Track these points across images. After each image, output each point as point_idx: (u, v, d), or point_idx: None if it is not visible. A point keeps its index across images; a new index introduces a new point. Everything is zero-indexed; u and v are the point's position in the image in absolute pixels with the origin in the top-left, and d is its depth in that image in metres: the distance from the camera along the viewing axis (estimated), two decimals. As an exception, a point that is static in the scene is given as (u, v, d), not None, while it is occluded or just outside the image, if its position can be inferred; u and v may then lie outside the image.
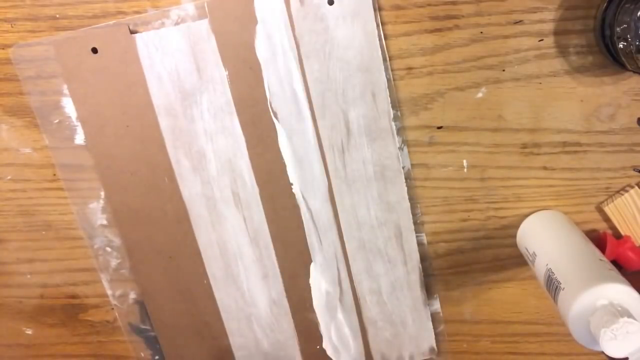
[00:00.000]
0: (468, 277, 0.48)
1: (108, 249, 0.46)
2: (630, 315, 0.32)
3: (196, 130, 0.43)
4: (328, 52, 0.41)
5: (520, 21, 0.41)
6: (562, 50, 0.41)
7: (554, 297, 0.37)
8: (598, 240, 0.45)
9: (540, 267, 0.40)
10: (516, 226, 0.45)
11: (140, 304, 0.48)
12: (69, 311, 0.50)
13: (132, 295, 0.48)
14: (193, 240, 0.46)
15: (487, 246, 0.47)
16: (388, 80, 0.42)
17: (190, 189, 0.44)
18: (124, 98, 0.42)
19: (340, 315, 0.47)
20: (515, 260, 0.47)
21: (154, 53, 0.41)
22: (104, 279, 0.48)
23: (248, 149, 0.43)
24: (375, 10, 0.40)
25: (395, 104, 0.43)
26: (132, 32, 0.41)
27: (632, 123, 0.42)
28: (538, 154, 0.44)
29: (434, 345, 0.48)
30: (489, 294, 0.48)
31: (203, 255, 0.46)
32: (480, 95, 0.42)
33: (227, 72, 0.42)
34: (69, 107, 0.43)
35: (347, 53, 0.41)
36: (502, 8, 0.40)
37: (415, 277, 0.46)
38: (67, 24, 0.42)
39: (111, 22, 0.41)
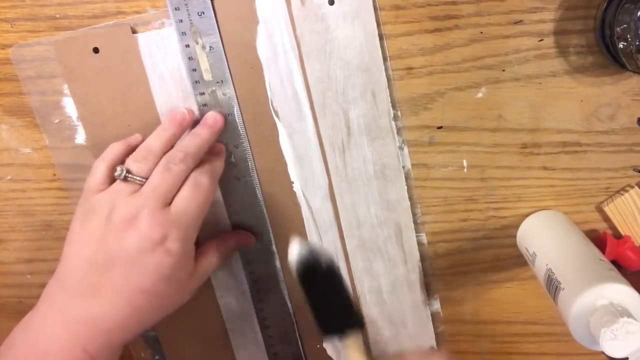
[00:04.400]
0: (468, 277, 0.48)
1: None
2: (630, 315, 0.32)
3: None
4: (329, 51, 0.41)
5: (520, 21, 0.41)
6: (562, 50, 0.41)
7: (554, 297, 0.37)
8: (598, 240, 0.45)
9: (540, 267, 0.40)
10: (516, 226, 0.45)
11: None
12: (68, 311, 0.50)
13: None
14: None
15: (487, 246, 0.47)
16: (388, 80, 0.42)
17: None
18: (125, 97, 0.42)
19: (340, 315, 0.47)
20: (515, 260, 0.47)
21: (155, 52, 0.41)
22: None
23: (249, 147, 0.43)
24: (375, 10, 0.40)
25: (395, 103, 0.43)
26: (132, 32, 0.41)
27: (632, 123, 0.42)
28: (538, 154, 0.44)
29: (434, 345, 0.48)
30: (489, 294, 0.48)
31: (203, 255, 0.46)
32: (480, 95, 0.42)
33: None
34: (69, 107, 0.43)
35: (347, 53, 0.41)
36: (502, 8, 0.40)
37: (415, 276, 0.46)
38: (67, 24, 0.42)
39: (111, 22, 0.41)
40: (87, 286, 0.36)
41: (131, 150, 0.39)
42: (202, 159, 0.39)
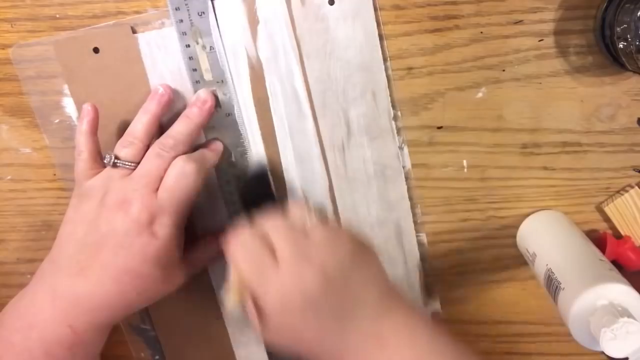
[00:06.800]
0: (468, 278, 0.48)
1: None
2: (630, 315, 0.32)
3: (197, 129, 0.43)
4: (329, 51, 0.41)
5: (520, 21, 0.41)
6: (562, 50, 0.41)
7: (554, 297, 0.37)
8: (598, 240, 0.45)
9: (540, 267, 0.40)
10: (516, 226, 0.45)
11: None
12: (68, 311, 0.49)
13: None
14: (193, 239, 0.46)
15: (487, 246, 0.47)
16: (388, 80, 0.42)
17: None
18: (125, 97, 0.42)
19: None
20: (515, 260, 0.47)
21: (156, 52, 0.41)
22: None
23: (249, 147, 0.43)
24: (375, 10, 0.40)
25: (395, 104, 0.43)
26: (133, 32, 0.41)
27: (632, 123, 0.42)
28: (538, 154, 0.44)
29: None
30: (489, 294, 0.48)
31: (203, 255, 0.46)
32: (480, 95, 0.42)
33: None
34: (69, 107, 0.43)
35: (347, 53, 0.41)
36: (502, 8, 0.40)
37: (415, 276, 0.46)
38: (67, 24, 0.42)
39: (111, 22, 0.41)
40: (76, 265, 0.37)
41: (93, 124, 0.40)
42: (195, 150, 0.41)
